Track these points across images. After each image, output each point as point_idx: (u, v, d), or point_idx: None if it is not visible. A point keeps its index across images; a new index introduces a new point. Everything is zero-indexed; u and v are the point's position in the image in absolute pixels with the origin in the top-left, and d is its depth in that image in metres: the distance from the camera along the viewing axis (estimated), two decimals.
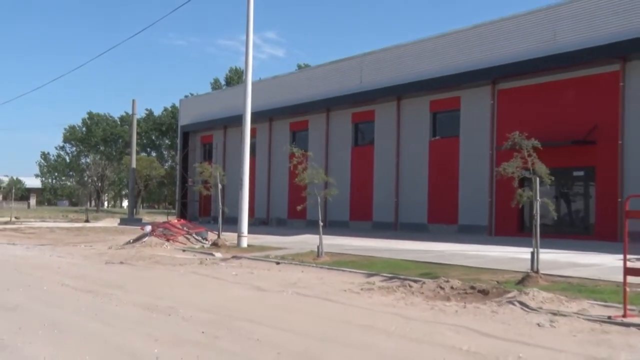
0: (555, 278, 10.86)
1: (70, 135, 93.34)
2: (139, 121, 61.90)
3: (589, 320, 7.60)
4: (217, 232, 20.62)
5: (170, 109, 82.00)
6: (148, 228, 22.97)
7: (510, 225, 24.45)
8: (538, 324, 7.40)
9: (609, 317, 7.70)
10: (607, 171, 22.07)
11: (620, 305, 7.93)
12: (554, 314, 7.92)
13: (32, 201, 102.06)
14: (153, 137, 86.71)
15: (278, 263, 14.71)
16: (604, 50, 21.74)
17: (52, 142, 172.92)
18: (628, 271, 8.07)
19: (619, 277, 8.32)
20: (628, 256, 8.22)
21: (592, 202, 23.00)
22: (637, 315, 7.82)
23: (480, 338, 6.67)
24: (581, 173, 23.15)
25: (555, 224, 21.29)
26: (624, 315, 7.72)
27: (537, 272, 10.57)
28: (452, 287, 9.78)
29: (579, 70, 22.91)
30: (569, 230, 22.39)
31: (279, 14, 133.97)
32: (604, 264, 13.23)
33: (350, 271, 12.72)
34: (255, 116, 25.25)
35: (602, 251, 16.27)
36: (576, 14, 23.05)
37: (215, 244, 19.56)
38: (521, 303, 8.54)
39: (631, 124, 21.54)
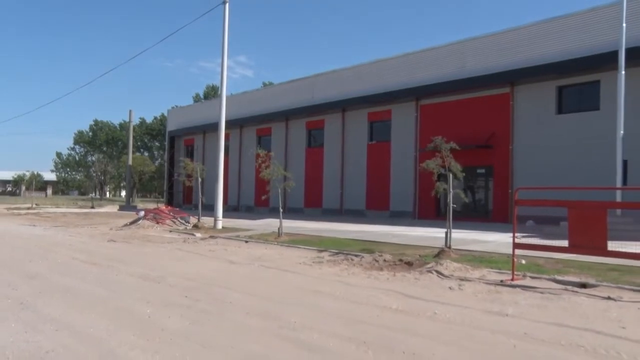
0: (463, 252, 11.07)
1: (79, 138, 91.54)
2: (134, 127, 60.34)
3: (487, 283, 7.81)
4: (197, 217, 20.36)
5: (159, 117, 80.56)
6: (142, 213, 22.54)
7: (429, 211, 24.85)
8: (450, 288, 7.55)
9: (501, 281, 7.93)
10: (502, 169, 22.68)
11: (510, 272, 8.18)
12: (462, 280, 8.10)
13: (49, 191, 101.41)
14: (146, 140, 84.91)
15: (247, 241, 14.61)
16: (498, 77, 22.33)
17: (65, 143, 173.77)
18: (516, 245, 8.33)
19: (509, 250, 8.57)
20: (516, 234, 8.49)
21: (491, 193, 23.58)
22: (522, 278, 8.08)
23: (406, 299, 6.78)
24: (483, 170, 23.65)
25: (463, 210, 21.76)
26: (512, 279, 7.97)
27: (449, 247, 10.76)
28: (384, 260, 9.88)
29: (480, 91, 23.42)
30: (474, 215, 22.90)
31: (249, 42, 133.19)
32: (498, 241, 13.57)
33: (304, 248, 12.72)
34: (229, 124, 24.96)
35: (498, 231, 16.71)
36: (478, 48, 23.60)
37: (196, 226, 19.30)
38: (437, 272, 8.70)
39: (518, 133, 22.19)
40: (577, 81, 20.74)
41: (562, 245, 7.91)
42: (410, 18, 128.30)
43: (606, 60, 18.25)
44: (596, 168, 18.83)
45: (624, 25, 15.81)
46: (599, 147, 19.06)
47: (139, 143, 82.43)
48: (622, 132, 15.80)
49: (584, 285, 7.49)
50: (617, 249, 7.51)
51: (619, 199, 14.74)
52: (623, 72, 15.87)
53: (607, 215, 7.49)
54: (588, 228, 7.46)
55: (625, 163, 16.13)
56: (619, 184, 15.53)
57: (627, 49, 15.95)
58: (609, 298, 6.75)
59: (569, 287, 7.44)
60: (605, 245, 7.31)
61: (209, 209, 21.81)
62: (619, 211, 15.00)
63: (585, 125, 20.15)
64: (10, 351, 4.50)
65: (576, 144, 20.21)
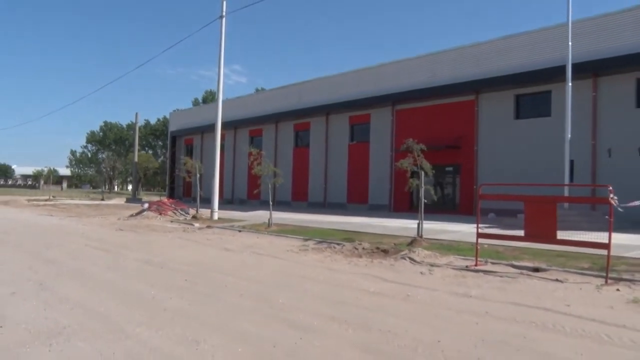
0: (433, 241, 11.16)
1: (91, 138, 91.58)
2: (140, 128, 59.60)
3: (453, 269, 7.89)
4: (196, 209, 20.24)
5: (162, 119, 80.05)
6: (146, 205, 22.36)
7: (404, 204, 24.96)
8: (421, 272, 7.61)
9: (467, 267, 8.02)
10: (468, 167, 22.86)
11: (474, 258, 8.28)
12: (432, 265, 8.18)
13: (64, 185, 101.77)
14: (150, 140, 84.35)
15: (240, 231, 14.57)
16: (465, 86, 22.48)
17: (78, 142, 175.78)
18: (479, 235, 8.43)
19: (474, 239, 8.66)
20: (480, 225, 8.59)
21: (458, 188, 23.77)
22: (484, 264, 8.17)
23: (382, 283, 6.82)
24: (451, 168, 23.76)
25: (433, 204, 21.91)
26: (476, 265, 8.06)
27: (421, 236, 10.86)
28: (363, 248, 9.92)
29: (449, 98, 23.53)
30: (443, 208, 23.02)
31: (244, 51, 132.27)
32: (464, 231, 13.62)
33: (292, 237, 12.71)
34: (224, 125, 24.69)
35: (464, 222, 16.83)
36: (447, 59, 23.71)
37: (194, 217, 19.20)
38: (410, 258, 8.75)
39: (482, 135, 22.38)
40: (532, 91, 21.01)
41: (519, 235, 8.03)
42: (390, 32, 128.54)
43: (556, 73, 18.49)
44: (548, 167, 19.08)
45: (570, 43, 16.20)
46: (550, 149, 19.31)
47: (144, 142, 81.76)
48: (569, 135, 16.12)
49: (536, 270, 7.62)
50: (565, 238, 7.67)
51: (566, 194, 14.99)
52: (570, 84, 16.25)
53: (557, 209, 7.63)
54: (541, 220, 7.59)
55: (572, 163, 16.46)
56: (566, 181, 15.81)
57: (573, 64, 16.36)
58: (557, 280, 6.88)
59: (524, 271, 7.56)
60: (555, 235, 7.45)
61: (206, 201, 21.65)
62: (566, 205, 15.27)
63: (538, 130, 20.42)
64: (32, 326, 4.53)
65: (531, 146, 20.48)
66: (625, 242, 10.34)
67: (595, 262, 7.89)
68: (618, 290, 6.28)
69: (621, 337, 4.30)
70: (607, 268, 6.82)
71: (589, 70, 18.57)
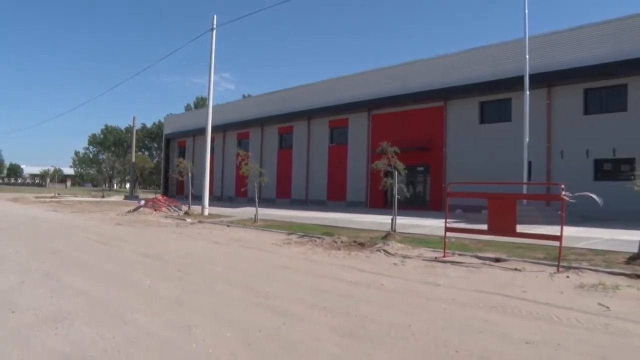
0: (405, 235, 11.22)
1: (93, 140, 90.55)
2: (137, 131, 58.91)
3: (424, 260, 7.98)
4: (188, 205, 20.06)
5: (157, 123, 79.14)
6: (142, 202, 22.07)
7: (379, 201, 25.10)
8: (394, 264, 7.67)
9: (435, 258, 8.11)
10: (437, 167, 23.10)
11: (442, 250, 8.38)
12: (404, 257, 8.25)
13: (68, 183, 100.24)
14: (146, 142, 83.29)
15: (228, 226, 14.48)
16: (434, 93, 22.70)
17: (81, 144, 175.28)
18: (447, 229, 8.54)
19: (442, 233, 8.76)
20: (448, 220, 8.70)
21: (428, 187, 24.00)
22: (451, 255, 8.28)
23: (359, 273, 6.86)
24: (422, 168, 23.95)
25: (406, 200, 22.01)
26: (444, 256, 8.16)
27: (394, 231, 10.93)
28: (342, 241, 9.95)
29: (420, 104, 23.73)
30: (414, 204, 23.14)
31: (232, 61, 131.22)
32: (434, 225, 13.72)
33: (276, 231, 12.68)
34: (214, 129, 24.46)
35: (433, 217, 16.98)
36: (419, 69, 23.89)
37: (186, 213, 19.01)
38: (384, 250, 8.80)
39: (450, 138, 22.65)
40: (494, 98, 21.36)
41: (483, 229, 8.16)
42: (369, 42, 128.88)
43: (515, 83, 18.82)
44: (508, 167, 19.39)
45: (527, 56, 16.54)
46: (510, 151, 19.63)
47: (140, 144, 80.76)
48: (527, 139, 16.46)
49: (498, 260, 7.75)
50: (523, 231, 7.82)
51: (525, 191, 15.29)
52: (528, 93, 16.59)
53: (516, 205, 7.78)
54: (502, 215, 7.73)
55: (529, 163, 16.81)
56: (525, 179, 16.14)
57: (530, 75, 16.74)
58: (515, 269, 7.02)
59: (487, 262, 7.69)
60: (515, 228, 7.60)
61: (198, 198, 21.44)
62: (525, 201, 15.56)
63: (500, 133, 20.77)
64: (39, 311, 4.53)
65: (494, 148, 20.82)
66: (575, 235, 10.61)
67: (549, 253, 8.07)
68: (568, 277, 6.45)
69: (569, 318, 4.44)
70: (559, 258, 6.99)
71: (543, 81, 18.99)
